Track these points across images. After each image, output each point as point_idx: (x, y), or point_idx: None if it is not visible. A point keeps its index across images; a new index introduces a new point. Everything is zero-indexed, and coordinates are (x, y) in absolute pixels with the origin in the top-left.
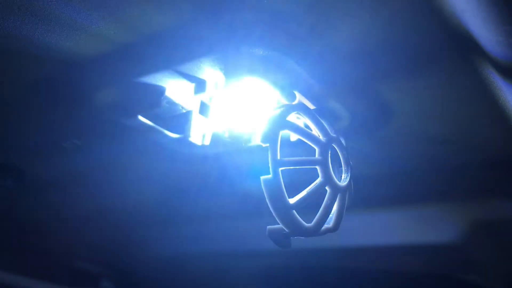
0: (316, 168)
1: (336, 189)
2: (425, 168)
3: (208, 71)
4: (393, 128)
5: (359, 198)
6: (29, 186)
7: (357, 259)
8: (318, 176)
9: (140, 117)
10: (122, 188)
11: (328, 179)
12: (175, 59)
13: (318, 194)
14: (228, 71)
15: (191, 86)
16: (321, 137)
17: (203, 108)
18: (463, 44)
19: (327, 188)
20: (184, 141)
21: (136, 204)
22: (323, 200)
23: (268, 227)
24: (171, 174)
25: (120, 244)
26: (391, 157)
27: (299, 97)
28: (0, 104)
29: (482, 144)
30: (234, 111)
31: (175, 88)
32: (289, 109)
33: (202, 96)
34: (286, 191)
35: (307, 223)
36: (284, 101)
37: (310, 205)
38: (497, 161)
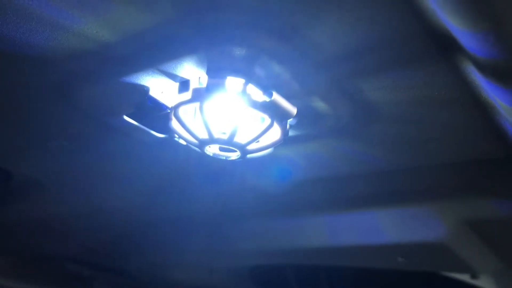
0: None
1: None
2: (411, 167)
3: (192, 70)
4: (378, 127)
5: (346, 197)
6: (17, 187)
7: (347, 257)
8: None
9: (125, 117)
10: (111, 188)
11: None
12: (159, 58)
13: None
14: (211, 70)
15: (175, 85)
16: None
17: (186, 107)
18: (442, 43)
19: None
20: (169, 141)
21: (125, 205)
22: None
23: None
24: (157, 174)
25: (111, 246)
26: (376, 156)
27: (276, 97)
28: None
29: (466, 142)
30: (217, 110)
31: (159, 88)
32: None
33: (186, 95)
34: None
35: None
36: (265, 100)
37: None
38: (481, 160)
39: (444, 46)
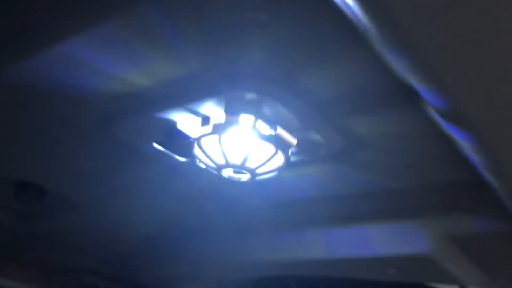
0: None
1: None
2: (394, 188)
3: (212, 109)
4: (363, 155)
5: (341, 214)
6: (49, 203)
7: (344, 269)
8: None
9: (155, 144)
10: (134, 205)
11: None
12: (186, 99)
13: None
14: (228, 109)
15: (198, 120)
16: None
17: (207, 138)
18: (409, 92)
19: None
20: (191, 165)
21: (144, 220)
22: None
23: None
24: (176, 193)
25: (126, 259)
26: (364, 179)
27: (279, 130)
28: (33, 135)
29: (438, 168)
30: (232, 140)
31: (185, 122)
32: None
33: (207, 129)
34: None
35: None
36: (271, 133)
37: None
38: (455, 182)
39: (411, 94)
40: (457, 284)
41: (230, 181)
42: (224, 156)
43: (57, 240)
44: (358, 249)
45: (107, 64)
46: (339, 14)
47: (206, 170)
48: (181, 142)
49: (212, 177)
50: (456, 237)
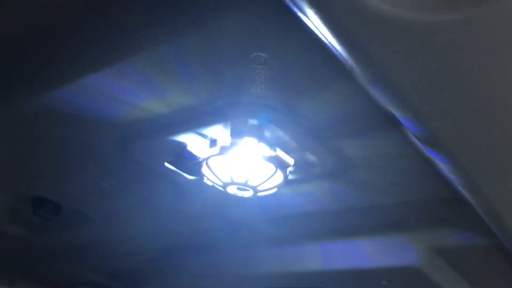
0: None
1: None
2: (383, 204)
3: (219, 132)
4: (354, 173)
5: (335, 228)
6: (64, 218)
7: (339, 281)
8: None
9: (166, 164)
10: (145, 220)
11: None
12: (196, 124)
13: None
14: (233, 133)
15: (206, 142)
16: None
17: (214, 158)
18: (392, 118)
19: None
20: (199, 183)
21: (152, 233)
22: None
23: None
24: (185, 208)
25: (133, 271)
26: (356, 195)
27: (279, 152)
28: (53, 155)
29: (422, 185)
30: (237, 161)
31: (194, 144)
32: None
33: (214, 150)
34: None
35: None
36: (271, 154)
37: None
38: (439, 198)
39: (393, 120)
40: None
41: (234, 197)
42: (230, 175)
43: (68, 254)
44: (352, 262)
45: (127, 94)
46: (330, 54)
47: (213, 188)
48: (190, 162)
49: (218, 194)
50: (441, 250)
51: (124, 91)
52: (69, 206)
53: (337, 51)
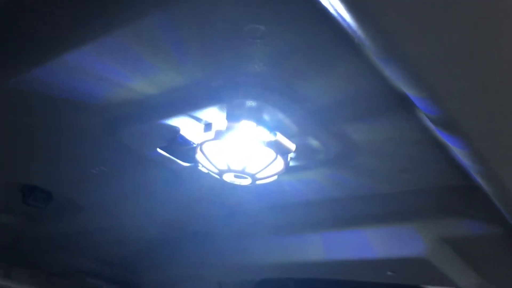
0: None
1: None
2: (391, 192)
3: (214, 115)
4: (360, 160)
5: (338, 217)
6: (56, 207)
7: (343, 271)
8: None
9: (159, 150)
10: (138, 208)
11: None
12: (189, 107)
13: None
14: (229, 116)
15: (200, 126)
16: None
17: (209, 143)
18: (402, 99)
19: None
20: (193, 170)
21: (146, 222)
22: None
23: None
24: (179, 196)
25: (128, 261)
26: (361, 183)
27: (279, 136)
28: (40, 141)
29: (433, 172)
30: (234, 146)
31: (188, 128)
32: None
33: (209, 135)
34: None
35: None
36: (271, 139)
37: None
38: (450, 186)
39: (404, 101)
40: (453, 286)
41: (231, 185)
42: (226, 161)
43: (62, 243)
44: (356, 252)
45: (114, 73)
46: (335, 26)
47: (209, 175)
48: (184, 147)
49: (214, 181)
50: (450, 240)
51: (109, 69)
52: (60, 194)
53: (345, 22)
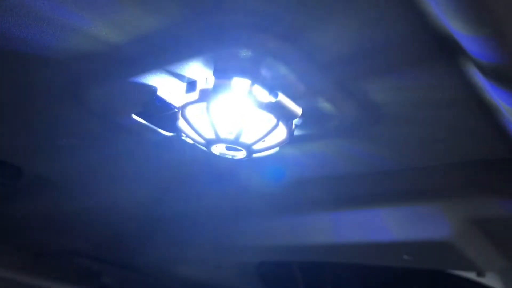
0: None
1: None
2: (416, 167)
3: (199, 71)
4: (383, 128)
5: (351, 195)
6: (27, 184)
7: (352, 254)
8: None
9: (134, 116)
10: (119, 185)
11: None
12: (166, 59)
13: None
14: (218, 71)
15: (182, 85)
16: None
17: (193, 107)
18: (446, 46)
19: None
20: (176, 140)
21: (133, 201)
22: None
23: None
24: (164, 171)
25: (120, 241)
26: (381, 156)
27: (281, 97)
28: None
29: (470, 143)
30: (224, 110)
31: (166, 88)
32: None
33: (193, 95)
34: None
35: None
36: (271, 100)
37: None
38: (486, 160)
39: (448, 49)
40: (475, 270)
41: (224, 158)
42: (214, 129)
43: (44, 222)
44: (369, 234)
45: (68, 15)
46: None
47: (197, 146)
48: (163, 112)
49: (205, 153)
50: (480, 221)
51: (60, 10)
52: (30, 169)
53: None
